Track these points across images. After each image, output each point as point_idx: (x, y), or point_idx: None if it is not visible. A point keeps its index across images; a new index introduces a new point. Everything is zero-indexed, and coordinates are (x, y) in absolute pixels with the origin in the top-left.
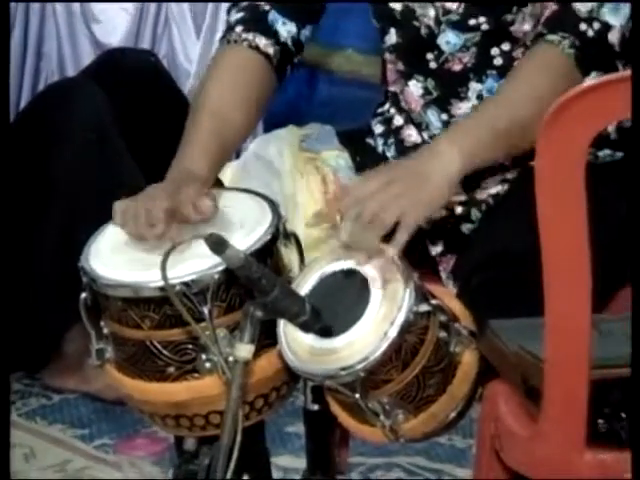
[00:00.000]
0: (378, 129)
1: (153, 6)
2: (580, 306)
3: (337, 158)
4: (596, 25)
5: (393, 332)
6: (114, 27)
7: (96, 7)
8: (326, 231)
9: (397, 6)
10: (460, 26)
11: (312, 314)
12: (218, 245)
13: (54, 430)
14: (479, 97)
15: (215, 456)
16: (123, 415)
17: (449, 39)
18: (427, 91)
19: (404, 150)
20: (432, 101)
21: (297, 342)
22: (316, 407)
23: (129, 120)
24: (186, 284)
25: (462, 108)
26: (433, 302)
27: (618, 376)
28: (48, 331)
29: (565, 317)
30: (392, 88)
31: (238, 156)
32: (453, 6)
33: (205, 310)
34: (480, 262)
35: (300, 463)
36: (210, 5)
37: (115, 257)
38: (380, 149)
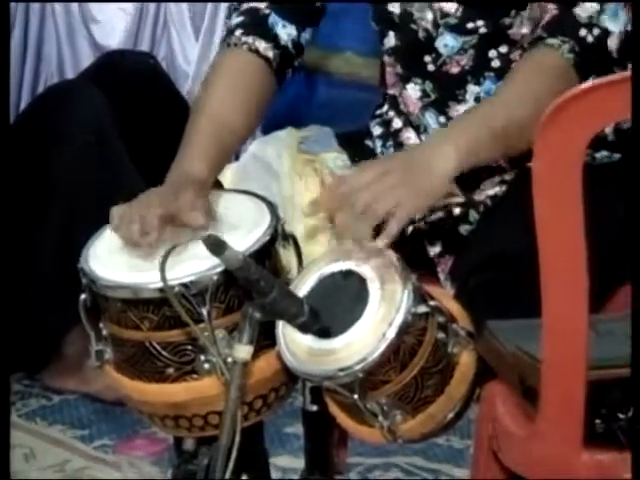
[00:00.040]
0: (377, 131)
1: (152, 8)
2: (577, 307)
3: (336, 160)
4: (596, 31)
5: (391, 333)
6: (113, 29)
7: (95, 9)
8: (322, 221)
9: (395, 9)
10: (458, 29)
11: (310, 315)
12: (217, 246)
13: (54, 431)
14: (477, 99)
15: (214, 456)
16: (122, 416)
17: (447, 42)
18: (425, 94)
19: None
20: (430, 104)
21: (296, 343)
22: (315, 408)
23: (128, 122)
24: (185, 285)
25: (460, 111)
26: (431, 303)
27: (615, 377)
28: (48, 332)
29: (562, 318)
30: (391, 91)
31: (237, 158)
32: (451, 9)
33: (204, 311)
34: (478, 263)
35: (299, 463)
36: (209, 7)
37: (114, 259)
38: (379, 151)
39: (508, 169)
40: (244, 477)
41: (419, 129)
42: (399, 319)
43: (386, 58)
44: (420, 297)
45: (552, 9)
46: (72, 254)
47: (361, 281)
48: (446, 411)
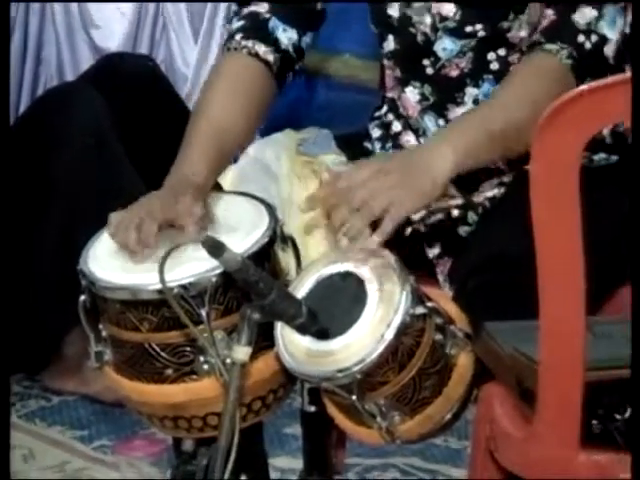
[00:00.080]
0: (375, 133)
1: (151, 11)
2: (574, 309)
3: (334, 162)
4: (594, 38)
5: (390, 334)
6: (112, 32)
7: (95, 12)
8: (319, 216)
9: (395, 13)
10: (457, 33)
11: (309, 317)
12: (216, 248)
13: (53, 431)
14: (475, 102)
15: (213, 457)
16: (122, 417)
17: (445, 45)
18: (424, 97)
19: None
20: (429, 107)
21: (294, 344)
22: (313, 409)
23: (127, 124)
24: (184, 287)
25: (459, 113)
26: (429, 305)
27: (612, 378)
28: (47, 333)
29: (559, 320)
30: (390, 94)
31: (235, 160)
32: (450, 13)
33: (203, 313)
34: (476, 265)
35: (297, 464)
36: (207, 10)
37: (114, 260)
38: (378, 153)
39: (506, 171)
40: (243, 477)
41: (418, 132)
42: (397, 320)
43: (385, 61)
44: (418, 298)
45: (550, 14)
46: (72, 256)
47: (359, 282)
48: (444, 412)
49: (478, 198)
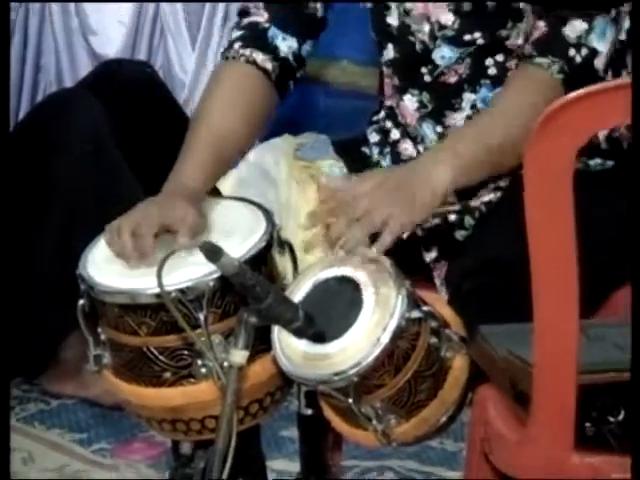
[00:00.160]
0: (373, 138)
1: (149, 18)
2: (568, 312)
3: (332, 167)
4: (584, 51)
5: (385, 338)
6: (111, 39)
7: (93, 19)
8: (320, 235)
9: (394, 22)
10: (455, 41)
11: (305, 320)
12: (213, 253)
13: (52, 435)
14: (473, 107)
15: (210, 460)
16: (120, 420)
17: (444, 54)
18: (422, 105)
19: (400, 163)
20: (427, 114)
21: (291, 348)
22: (310, 412)
23: (126, 130)
24: (182, 291)
25: (456, 119)
26: (424, 308)
27: (605, 381)
28: (46, 337)
29: (553, 323)
30: (388, 102)
31: (236, 165)
32: (448, 22)
33: (200, 316)
34: (471, 268)
35: (294, 467)
36: (205, 16)
37: (112, 265)
38: (375, 158)
39: (503, 176)
40: None
41: (416, 140)
42: (393, 324)
43: (384, 69)
44: (414, 302)
45: (542, 26)
46: (70, 260)
47: (355, 286)
48: (439, 415)
49: (474, 202)
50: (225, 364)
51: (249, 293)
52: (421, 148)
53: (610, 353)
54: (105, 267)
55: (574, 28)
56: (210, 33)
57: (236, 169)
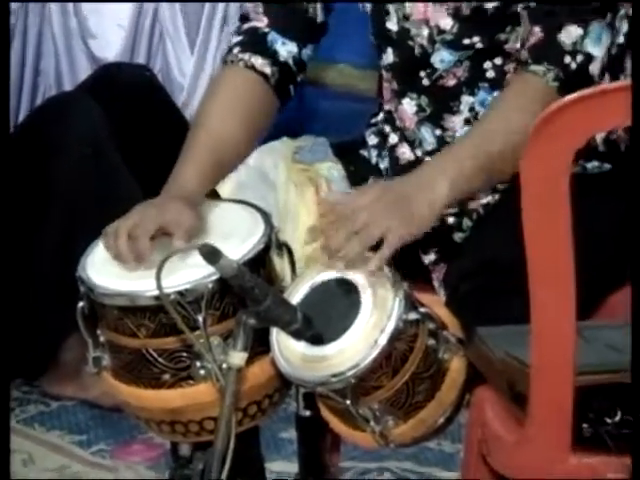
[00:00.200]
0: (372, 140)
1: (148, 22)
2: (565, 314)
3: (330, 169)
4: (579, 57)
5: (383, 340)
6: (110, 42)
7: (92, 23)
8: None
9: (393, 27)
10: (454, 45)
11: (304, 322)
12: (212, 255)
13: (52, 436)
14: (471, 109)
15: (209, 461)
16: (120, 421)
17: (443, 57)
18: (421, 108)
19: (398, 167)
20: (426, 118)
21: (289, 350)
22: (308, 413)
23: (125, 133)
24: (181, 293)
25: (455, 122)
26: (422, 310)
27: (602, 382)
28: (46, 339)
29: (550, 324)
30: (387, 106)
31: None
32: (447, 26)
33: (199, 318)
34: (469, 270)
35: (293, 468)
36: (204, 20)
37: (111, 267)
38: (374, 160)
39: None
40: None
41: (414, 143)
42: (390, 326)
43: (384, 74)
44: (411, 304)
45: (537, 32)
46: (70, 263)
47: (353, 289)
48: (437, 416)
49: (472, 205)
50: (224, 366)
51: (248, 295)
52: (419, 152)
53: (607, 355)
54: (104, 269)
55: (569, 34)
56: (209, 37)
57: (235, 173)
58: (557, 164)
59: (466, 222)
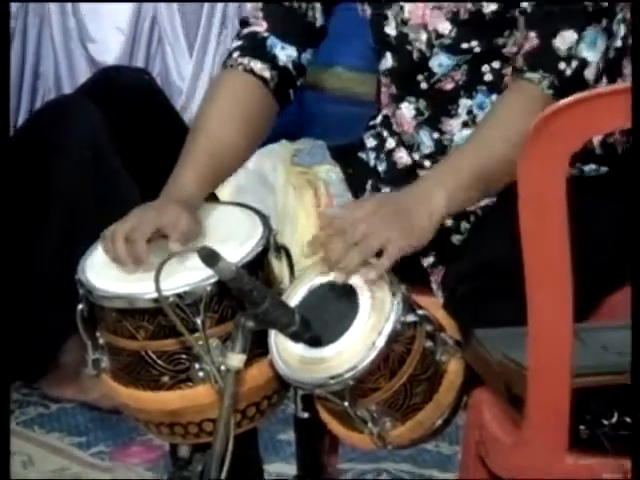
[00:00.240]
0: (370, 143)
1: (147, 26)
2: (562, 316)
3: (328, 172)
4: (574, 63)
5: (381, 342)
6: (109, 46)
7: (91, 27)
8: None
9: (392, 32)
10: (452, 49)
11: (302, 324)
12: (210, 258)
13: (52, 438)
14: (469, 113)
15: (208, 463)
16: (119, 423)
17: (441, 62)
18: (419, 112)
19: (395, 171)
20: (424, 121)
21: (288, 352)
22: (306, 415)
23: (124, 136)
24: (179, 295)
25: (453, 125)
26: (420, 312)
27: (599, 384)
28: (46, 342)
29: (547, 326)
30: (385, 111)
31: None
32: (445, 30)
33: (198, 321)
34: (466, 272)
35: (291, 469)
36: (202, 24)
37: (110, 270)
38: (372, 163)
39: None
40: None
41: (412, 148)
42: (388, 328)
43: (382, 78)
44: (409, 306)
45: (533, 37)
46: (70, 265)
47: (351, 291)
48: (434, 418)
49: (470, 207)
50: (222, 368)
51: (246, 297)
52: (417, 156)
53: (604, 356)
54: (103, 272)
55: (564, 40)
56: (207, 40)
57: (235, 176)
58: (554, 167)
59: (464, 225)
